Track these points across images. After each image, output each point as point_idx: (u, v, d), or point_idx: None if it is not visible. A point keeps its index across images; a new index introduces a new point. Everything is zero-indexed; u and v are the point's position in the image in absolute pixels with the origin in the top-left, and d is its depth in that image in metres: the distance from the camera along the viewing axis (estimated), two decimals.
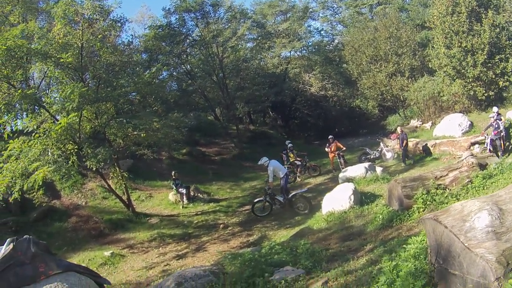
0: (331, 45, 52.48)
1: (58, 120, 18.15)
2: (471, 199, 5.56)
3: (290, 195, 18.45)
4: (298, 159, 25.69)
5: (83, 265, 10.93)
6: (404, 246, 6.92)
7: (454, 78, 28.84)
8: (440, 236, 5.09)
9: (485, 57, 27.05)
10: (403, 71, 36.63)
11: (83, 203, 22.73)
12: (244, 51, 42.49)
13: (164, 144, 24.39)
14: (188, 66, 40.17)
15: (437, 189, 12.12)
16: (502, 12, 28.28)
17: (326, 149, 26.31)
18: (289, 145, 26.82)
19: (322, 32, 53.95)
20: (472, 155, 17.49)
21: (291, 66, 49.70)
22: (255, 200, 19.03)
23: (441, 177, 12.89)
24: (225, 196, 24.96)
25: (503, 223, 4.82)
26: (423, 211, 10.90)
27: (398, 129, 25.50)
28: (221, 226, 19.01)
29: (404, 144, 24.08)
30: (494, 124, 20.87)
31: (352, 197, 14.68)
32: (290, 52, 48.84)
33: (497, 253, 4.45)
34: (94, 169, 18.84)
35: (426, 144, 25.60)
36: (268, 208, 19.04)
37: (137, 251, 17.40)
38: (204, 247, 16.65)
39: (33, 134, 17.74)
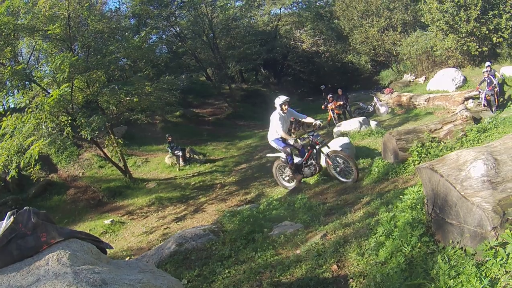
0: (321, 1, 51.78)
1: (49, 93, 18.08)
2: (466, 148, 5.59)
3: None
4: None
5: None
6: (401, 197, 7.03)
7: (447, 33, 28.75)
8: (436, 185, 5.14)
9: (478, 12, 26.82)
10: (395, 25, 36.60)
11: (80, 174, 22.96)
12: (234, 10, 42.21)
13: (157, 107, 24.34)
14: (178, 28, 39.88)
15: (431, 142, 12.17)
16: None
17: (329, 105, 26.30)
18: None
19: None
20: (466, 109, 17.55)
21: (281, 23, 49.57)
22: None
23: (435, 130, 12.93)
24: (221, 156, 25.13)
25: (499, 173, 4.81)
26: (419, 163, 10.92)
27: (339, 90, 27.14)
28: (218, 186, 19.16)
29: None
30: (487, 79, 20.94)
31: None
32: (280, 9, 48.76)
33: (494, 203, 4.46)
34: (89, 138, 18.85)
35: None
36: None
37: (137, 216, 17.63)
38: (202, 208, 16.78)
39: (26, 110, 17.76)
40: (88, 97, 20.35)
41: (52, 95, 16.96)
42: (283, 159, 13.59)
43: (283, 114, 13.02)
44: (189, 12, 38.42)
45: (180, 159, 23.20)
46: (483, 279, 4.15)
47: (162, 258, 8.97)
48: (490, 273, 4.23)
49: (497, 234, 4.34)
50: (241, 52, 40.69)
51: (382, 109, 26.30)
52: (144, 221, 16.91)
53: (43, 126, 17.69)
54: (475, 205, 4.52)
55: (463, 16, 27.20)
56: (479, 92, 21.57)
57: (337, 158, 12.73)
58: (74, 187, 21.72)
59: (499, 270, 4.18)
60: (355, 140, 17.64)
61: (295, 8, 49.71)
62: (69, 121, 19.20)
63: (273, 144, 13.42)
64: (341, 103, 26.13)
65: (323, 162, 13.25)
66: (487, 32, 27.32)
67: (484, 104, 20.87)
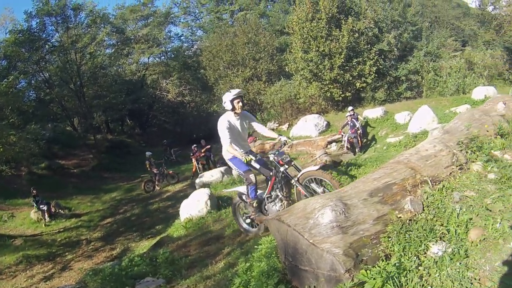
0: (190, 51, 52.93)
1: None
2: (314, 197, 5.76)
3: None
4: (154, 169, 25.60)
5: None
6: (256, 246, 7.14)
7: (311, 81, 30.08)
8: (285, 235, 5.27)
9: (343, 60, 28.53)
10: (260, 75, 37.76)
11: None
12: (103, 57, 42.22)
13: (22, 158, 23.52)
14: (47, 74, 39.11)
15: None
16: (363, 19, 29.78)
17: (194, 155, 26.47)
18: (147, 153, 26.70)
19: (182, 37, 55.07)
20: (326, 153, 18.08)
21: (148, 72, 49.89)
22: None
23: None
24: (86, 210, 24.49)
25: (349, 218, 5.06)
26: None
27: (202, 141, 28.40)
28: (84, 242, 18.68)
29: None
30: (350, 122, 21.93)
31: (209, 202, 14.68)
32: (148, 58, 49.07)
33: (344, 246, 4.68)
34: None
35: None
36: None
37: (5, 276, 16.67)
38: (69, 266, 16.29)
39: None
40: None
41: None
42: (241, 192, 9.70)
43: (235, 117, 8.86)
44: (59, 57, 37.93)
45: (46, 214, 22.34)
46: None
47: None
48: None
49: (351, 275, 4.49)
50: (107, 102, 40.46)
51: None
52: (13, 281, 16.07)
53: None
54: (325, 251, 4.68)
55: (327, 64, 28.69)
56: (342, 135, 22.58)
57: (312, 184, 8.58)
58: None
59: None
60: (218, 190, 17.66)
61: (163, 57, 50.29)
62: None
63: (231, 165, 9.07)
64: (204, 151, 26.47)
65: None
66: (350, 78, 28.98)
67: (347, 147, 21.83)
